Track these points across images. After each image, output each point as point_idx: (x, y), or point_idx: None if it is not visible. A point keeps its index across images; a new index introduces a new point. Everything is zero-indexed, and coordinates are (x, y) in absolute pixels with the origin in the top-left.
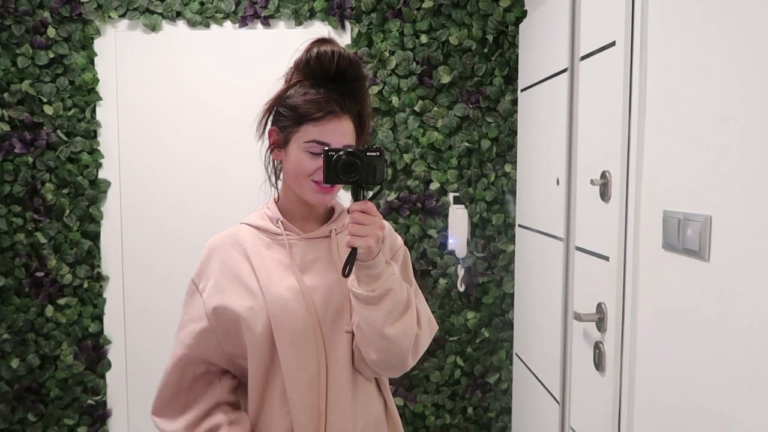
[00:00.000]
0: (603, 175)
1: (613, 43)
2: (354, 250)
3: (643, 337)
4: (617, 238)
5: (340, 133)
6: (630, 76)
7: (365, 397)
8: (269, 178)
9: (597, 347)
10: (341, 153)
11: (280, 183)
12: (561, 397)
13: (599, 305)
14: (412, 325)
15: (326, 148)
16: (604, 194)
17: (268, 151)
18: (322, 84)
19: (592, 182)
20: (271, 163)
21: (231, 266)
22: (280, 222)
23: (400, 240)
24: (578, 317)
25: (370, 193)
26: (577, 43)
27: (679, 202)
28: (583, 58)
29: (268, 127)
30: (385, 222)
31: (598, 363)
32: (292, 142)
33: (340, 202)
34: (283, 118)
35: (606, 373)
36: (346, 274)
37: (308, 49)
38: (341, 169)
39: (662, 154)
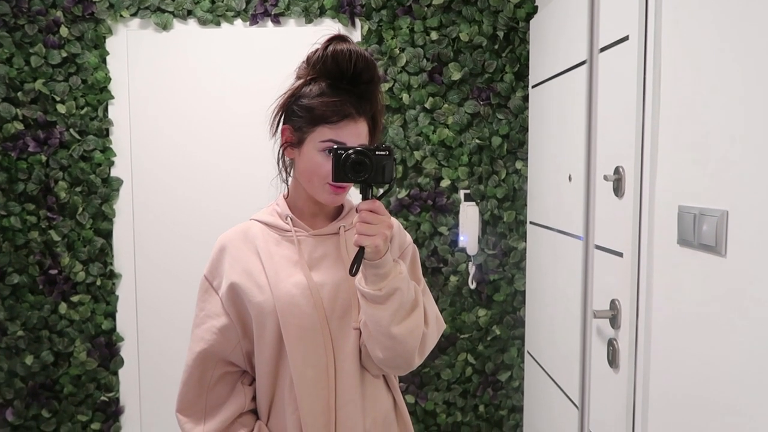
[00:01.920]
0: (616, 170)
1: (626, 38)
2: (361, 249)
3: (658, 333)
4: (631, 234)
5: (355, 135)
6: (644, 71)
7: (373, 393)
8: (280, 174)
9: (611, 344)
10: (350, 152)
11: (290, 179)
12: (580, 402)
13: (613, 302)
14: (418, 325)
15: (335, 147)
16: (618, 190)
17: (281, 149)
18: (338, 84)
19: (606, 178)
20: (282, 159)
21: (241, 262)
22: (289, 218)
23: (408, 238)
24: (592, 314)
25: (379, 192)
26: (596, 34)
27: (694, 196)
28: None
29: (281, 123)
30: (393, 220)
31: (612, 360)
32: (307, 142)
33: (350, 199)
34: (298, 117)
35: (620, 370)
36: (353, 273)
37: (324, 47)
38: (350, 168)
39: (677, 149)
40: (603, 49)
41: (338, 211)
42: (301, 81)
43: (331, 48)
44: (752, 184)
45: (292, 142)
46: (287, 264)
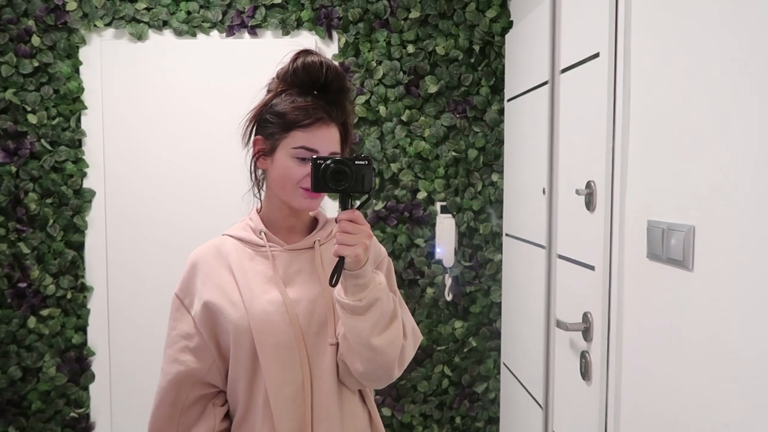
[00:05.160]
0: (588, 185)
1: (596, 55)
2: (341, 260)
3: (629, 346)
4: (603, 248)
5: (328, 139)
6: (614, 87)
7: (350, 409)
8: (253, 187)
9: (583, 356)
10: (329, 161)
11: (262, 192)
12: (544, 404)
13: (585, 314)
14: (398, 336)
15: (314, 156)
16: (590, 204)
17: (253, 160)
18: (309, 92)
19: (578, 192)
20: (255, 171)
21: (214, 279)
22: (263, 233)
23: (384, 250)
24: (564, 326)
25: (358, 202)
26: (557, 59)
27: (663, 212)
28: (567, 69)
29: (253, 135)
30: (370, 231)
31: (585, 372)
32: (280, 149)
33: (324, 213)
34: (270, 125)
35: (592, 382)
36: (333, 284)
37: (294, 60)
38: (330, 177)
39: (646, 165)
40: (574, 66)
41: (313, 225)
42: (272, 93)
43: (301, 60)
44: (717, 201)
45: (264, 151)
46: (262, 280)
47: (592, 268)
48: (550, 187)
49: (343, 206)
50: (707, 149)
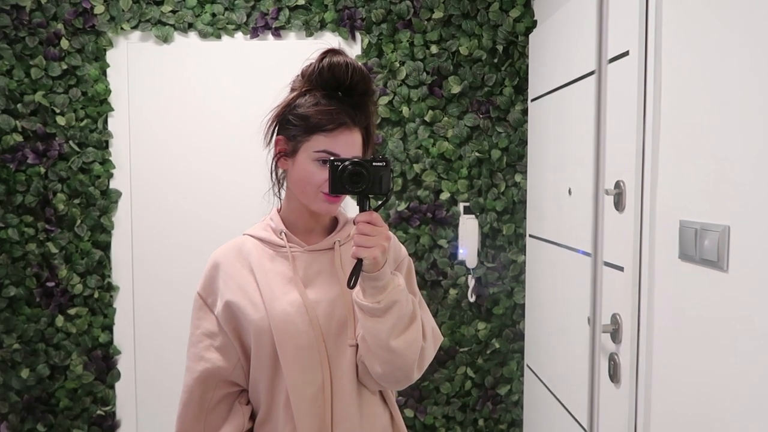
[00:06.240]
0: (617, 184)
1: (626, 53)
2: (359, 262)
3: (659, 348)
4: (632, 249)
5: (350, 144)
6: (644, 85)
7: (370, 409)
8: (273, 186)
9: (612, 359)
10: (347, 163)
11: (282, 192)
12: (589, 414)
13: (614, 316)
14: (417, 338)
15: (332, 158)
16: (619, 204)
17: (274, 160)
18: (333, 95)
19: (607, 192)
20: (275, 171)
21: (235, 279)
22: (283, 234)
23: (404, 250)
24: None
25: (377, 203)
26: (605, 48)
27: (695, 211)
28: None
29: (275, 134)
30: (389, 232)
31: (613, 374)
32: (301, 152)
33: (345, 213)
34: (293, 127)
35: (621, 384)
36: (351, 286)
37: (320, 59)
38: (347, 179)
39: (678, 164)
40: None
41: (333, 226)
42: (296, 92)
43: (327, 60)
44: (754, 200)
45: (286, 152)
46: (282, 281)
47: (621, 269)
48: (597, 193)
49: (361, 207)
50: (741, 147)
